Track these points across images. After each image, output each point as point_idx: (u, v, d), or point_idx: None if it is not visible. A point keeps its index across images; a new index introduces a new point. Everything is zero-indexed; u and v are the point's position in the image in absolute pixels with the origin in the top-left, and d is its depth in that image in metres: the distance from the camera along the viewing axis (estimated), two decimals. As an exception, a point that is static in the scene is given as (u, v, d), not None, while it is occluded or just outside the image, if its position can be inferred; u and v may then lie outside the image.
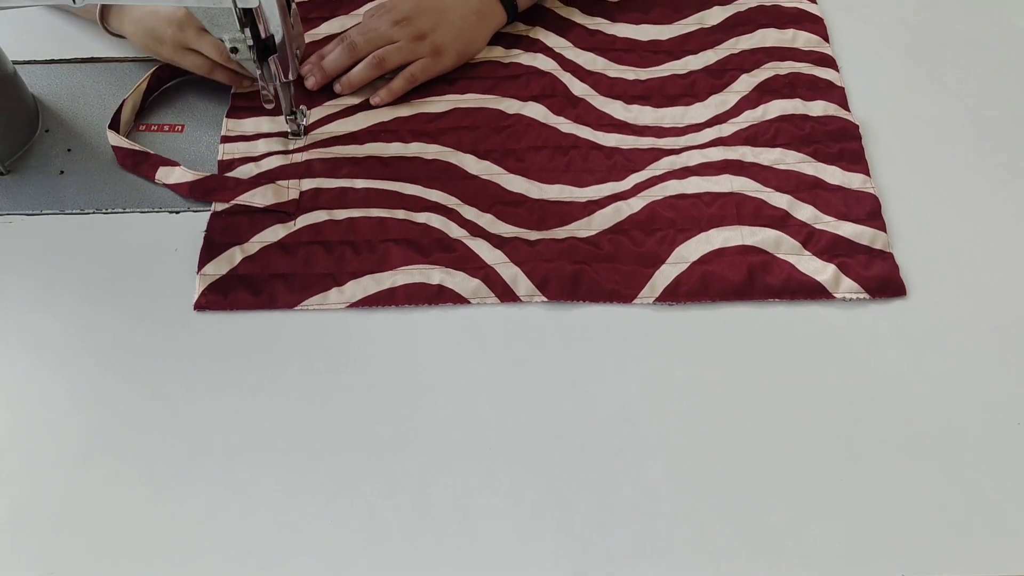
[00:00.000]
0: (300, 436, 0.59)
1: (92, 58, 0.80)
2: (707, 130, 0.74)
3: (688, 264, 0.66)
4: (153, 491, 0.57)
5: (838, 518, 0.56)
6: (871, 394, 0.60)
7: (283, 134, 0.73)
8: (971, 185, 0.71)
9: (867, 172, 0.71)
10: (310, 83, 0.76)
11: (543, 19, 0.82)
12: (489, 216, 0.69)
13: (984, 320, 0.64)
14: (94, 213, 0.69)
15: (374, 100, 0.75)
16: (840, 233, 0.67)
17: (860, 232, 0.67)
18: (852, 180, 0.70)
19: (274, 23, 0.62)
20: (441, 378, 0.61)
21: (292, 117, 0.71)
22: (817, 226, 0.67)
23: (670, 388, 0.61)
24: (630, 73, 0.78)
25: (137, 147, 0.71)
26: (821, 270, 0.65)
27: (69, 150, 0.73)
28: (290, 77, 0.67)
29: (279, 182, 0.70)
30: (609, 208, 0.69)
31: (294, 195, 0.69)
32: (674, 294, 0.64)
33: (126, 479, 0.57)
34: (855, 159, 0.72)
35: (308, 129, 0.74)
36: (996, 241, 0.68)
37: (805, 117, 0.74)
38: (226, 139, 0.73)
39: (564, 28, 0.81)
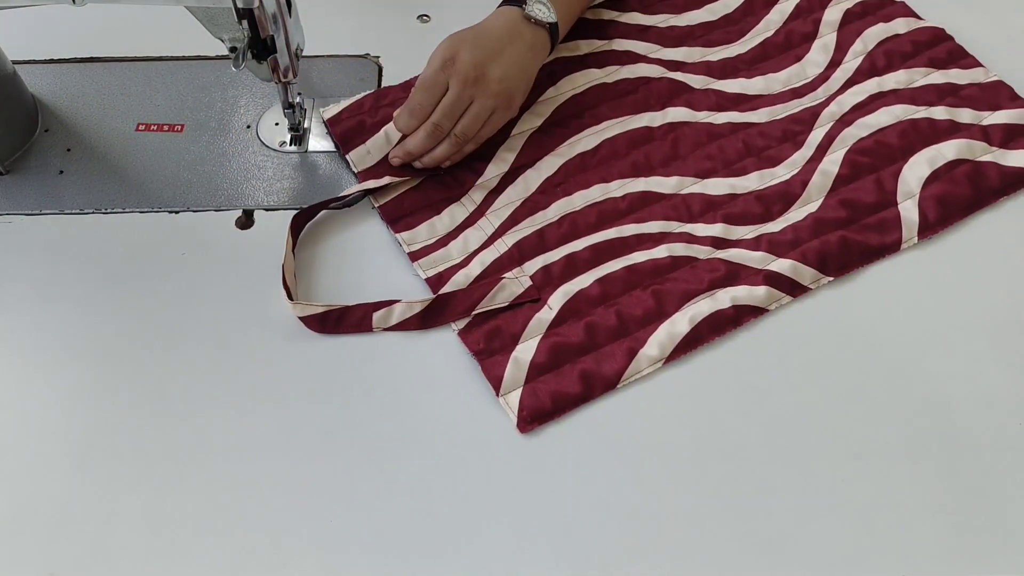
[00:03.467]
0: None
1: (92, 58, 0.80)
2: (833, 75, 0.76)
3: (916, 197, 0.67)
4: (153, 490, 0.57)
5: (838, 518, 0.56)
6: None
7: (466, 226, 0.69)
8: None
9: (979, 64, 0.75)
10: (394, 164, 0.71)
11: (609, 30, 0.80)
12: (720, 225, 0.67)
13: None
14: (93, 213, 0.69)
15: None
16: (1006, 121, 0.70)
17: (1020, 114, 0.71)
18: (976, 75, 0.75)
19: (274, 23, 0.62)
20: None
21: (291, 111, 0.71)
22: (984, 123, 0.71)
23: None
24: (728, 51, 0.79)
25: (334, 306, 0.63)
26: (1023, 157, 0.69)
27: (69, 150, 0.73)
28: (289, 78, 0.67)
29: (505, 275, 0.66)
30: (816, 175, 0.69)
31: (527, 282, 0.65)
32: (928, 226, 0.66)
33: (126, 479, 0.57)
34: (963, 55, 0.76)
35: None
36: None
37: (897, 36, 0.77)
38: (414, 256, 0.67)
39: (640, 33, 0.80)
